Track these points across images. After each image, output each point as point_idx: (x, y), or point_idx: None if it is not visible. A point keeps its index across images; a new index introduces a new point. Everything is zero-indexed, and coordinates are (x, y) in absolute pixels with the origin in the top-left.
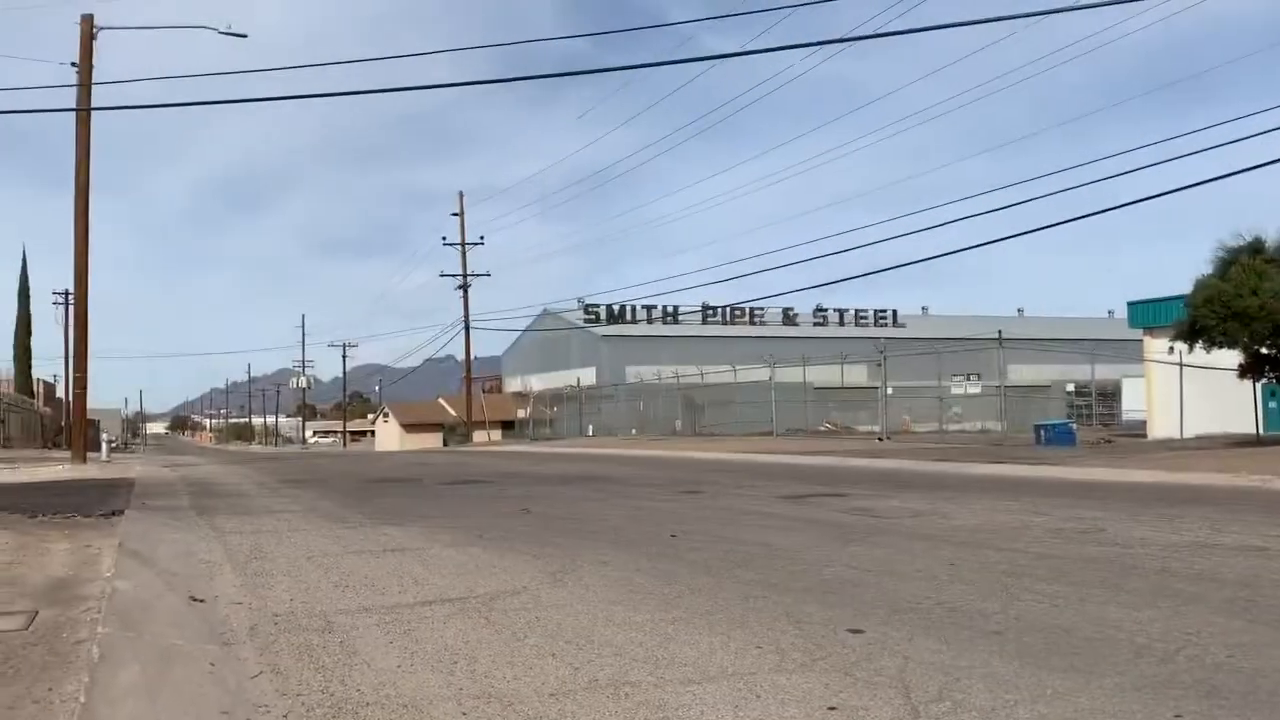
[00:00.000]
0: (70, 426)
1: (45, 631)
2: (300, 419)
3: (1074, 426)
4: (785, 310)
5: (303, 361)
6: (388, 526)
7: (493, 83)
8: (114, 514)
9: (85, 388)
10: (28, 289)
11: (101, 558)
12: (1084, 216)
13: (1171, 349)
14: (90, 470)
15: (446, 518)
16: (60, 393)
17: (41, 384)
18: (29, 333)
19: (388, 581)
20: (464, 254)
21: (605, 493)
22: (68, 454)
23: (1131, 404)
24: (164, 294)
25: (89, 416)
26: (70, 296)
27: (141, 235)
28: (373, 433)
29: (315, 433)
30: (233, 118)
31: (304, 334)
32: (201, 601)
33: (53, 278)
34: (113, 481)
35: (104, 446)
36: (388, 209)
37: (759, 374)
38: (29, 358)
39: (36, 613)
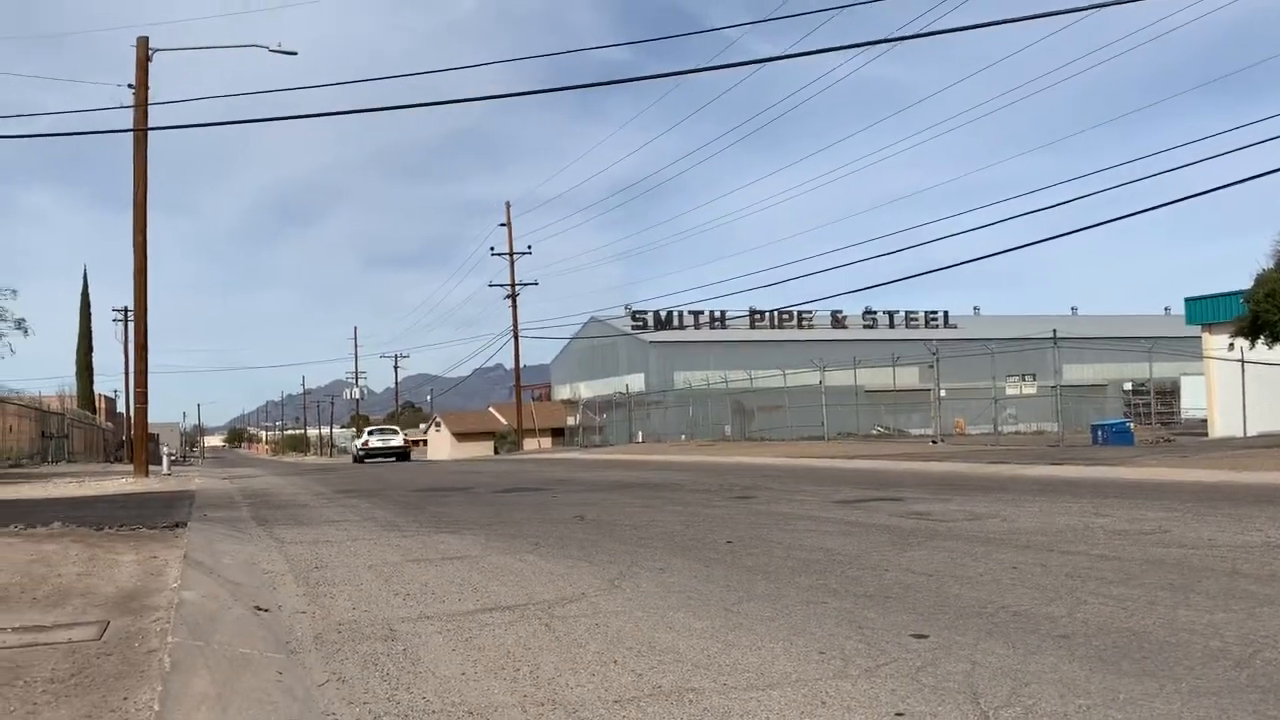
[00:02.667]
0: (131, 441)
1: (117, 641)
2: (354, 429)
3: (1131, 426)
4: (834, 313)
5: (356, 373)
6: (444, 535)
7: (537, 93)
8: (177, 526)
9: (146, 403)
10: (89, 306)
11: (168, 569)
12: (1138, 213)
13: (1232, 345)
14: (151, 483)
15: (501, 525)
16: (120, 408)
17: (102, 399)
18: (90, 349)
19: (447, 589)
20: (512, 264)
21: (658, 499)
22: (129, 468)
23: (1191, 402)
24: (220, 309)
25: (149, 431)
26: (129, 313)
27: (197, 251)
28: (425, 442)
29: None
30: (284, 134)
31: (356, 345)
32: (266, 611)
33: (112, 294)
34: (174, 494)
35: (165, 460)
36: (437, 221)
37: (808, 378)
38: (90, 374)
39: (108, 623)
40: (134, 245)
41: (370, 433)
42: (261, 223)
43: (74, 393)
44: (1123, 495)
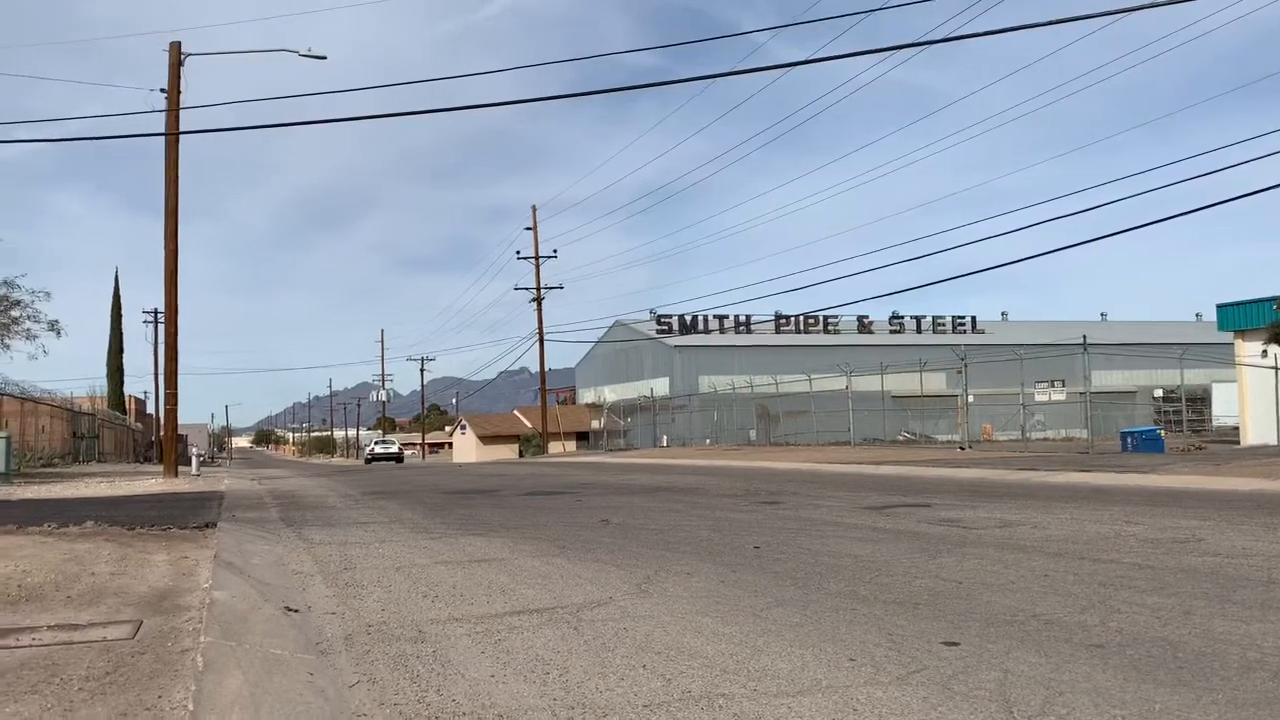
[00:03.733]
0: (160, 441)
1: (151, 640)
2: (380, 432)
3: (1161, 433)
4: (860, 318)
5: (382, 375)
6: (471, 537)
7: (563, 97)
8: (207, 526)
9: (176, 405)
10: (119, 308)
11: (199, 569)
12: (1169, 218)
13: (1265, 352)
14: (181, 484)
15: (528, 528)
16: (150, 409)
17: (132, 400)
18: (121, 351)
19: (475, 592)
20: (538, 267)
21: (683, 504)
22: (159, 468)
23: (1222, 409)
24: (248, 311)
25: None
26: (159, 315)
27: (227, 254)
28: (450, 444)
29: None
30: (312, 139)
31: (383, 349)
32: (296, 612)
33: (142, 296)
34: (203, 495)
35: (194, 461)
36: (463, 224)
37: (834, 383)
38: (121, 375)
39: (141, 622)
40: (165, 248)
41: (375, 443)
42: (289, 226)
43: (104, 394)
44: (1154, 503)
